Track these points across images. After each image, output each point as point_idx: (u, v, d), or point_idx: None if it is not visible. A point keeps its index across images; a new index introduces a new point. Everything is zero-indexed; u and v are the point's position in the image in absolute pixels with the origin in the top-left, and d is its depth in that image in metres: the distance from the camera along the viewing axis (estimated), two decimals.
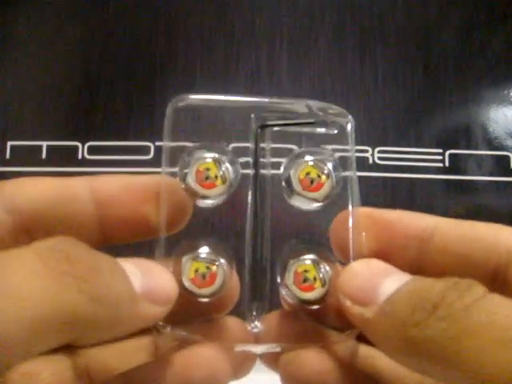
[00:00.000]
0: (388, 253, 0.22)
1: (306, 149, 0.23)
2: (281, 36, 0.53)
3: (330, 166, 0.22)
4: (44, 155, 0.51)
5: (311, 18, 0.53)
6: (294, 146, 0.23)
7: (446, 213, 0.50)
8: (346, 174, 0.23)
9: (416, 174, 0.51)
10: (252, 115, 0.23)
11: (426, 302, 0.18)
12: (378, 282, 0.20)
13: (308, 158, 0.23)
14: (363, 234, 0.22)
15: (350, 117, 0.23)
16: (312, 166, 0.22)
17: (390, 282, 0.19)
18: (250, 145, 0.23)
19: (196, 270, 0.22)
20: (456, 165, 0.51)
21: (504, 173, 0.51)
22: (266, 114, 0.23)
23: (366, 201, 0.52)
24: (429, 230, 0.22)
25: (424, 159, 0.51)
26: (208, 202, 0.22)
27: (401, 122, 0.52)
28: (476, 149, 0.51)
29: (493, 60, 0.53)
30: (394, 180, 0.51)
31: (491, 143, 0.52)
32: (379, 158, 0.51)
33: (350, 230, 0.22)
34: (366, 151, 0.51)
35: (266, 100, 0.23)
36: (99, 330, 0.18)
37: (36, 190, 0.22)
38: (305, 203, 0.23)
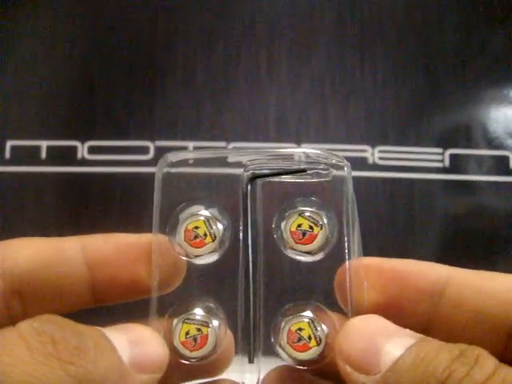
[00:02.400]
0: (397, 306, 0.21)
1: (297, 199, 0.22)
2: (281, 36, 0.53)
3: (323, 216, 0.21)
4: (44, 155, 0.51)
5: (311, 18, 0.53)
6: (285, 197, 0.22)
7: (446, 213, 0.50)
8: (344, 222, 0.21)
9: (416, 173, 0.51)
10: (242, 168, 0.22)
11: (432, 377, 0.16)
12: (379, 347, 0.18)
13: (300, 209, 0.21)
14: (365, 286, 0.21)
15: (345, 162, 0.22)
16: (304, 217, 0.21)
17: (392, 345, 0.18)
18: (240, 197, 0.22)
19: (187, 333, 0.21)
20: (456, 165, 0.51)
21: (504, 173, 0.51)
22: (256, 165, 0.22)
23: (367, 201, 0.53)
24: (441, 281, 0.21)
25: (424, 159, 0.51)
26: (200, 261, 0.22)
27: (401, 121, 0.52)
28: (476, 148, 0.51)
29: (493, 60, 0.53)
30: (394, 180, 0.51)
31: (491, 143, 0.52)
32: (379, 158, 0.51)
33: (348, 283, 0.21)
34: (366, 151, 0.51)
35: (257, 151, 0.22)
36: None
37: (27, 252, 0.22)
38: (299, 256, 0.22)
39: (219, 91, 0.52)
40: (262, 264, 0.22)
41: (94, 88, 0.52)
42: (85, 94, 0.53)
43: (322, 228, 0.21)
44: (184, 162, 0.22)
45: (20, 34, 0.54)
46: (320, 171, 0.22)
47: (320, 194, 0.22)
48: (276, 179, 0.22)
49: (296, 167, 0.22)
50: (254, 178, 0.22)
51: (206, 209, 0.22)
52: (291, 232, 0.21)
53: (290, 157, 0.22)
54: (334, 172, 0.22)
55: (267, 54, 0.53)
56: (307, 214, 0.21)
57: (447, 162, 0.51)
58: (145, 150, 0.51)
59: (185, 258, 0.22)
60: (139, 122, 0.52)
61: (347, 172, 0.22)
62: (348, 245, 0.21)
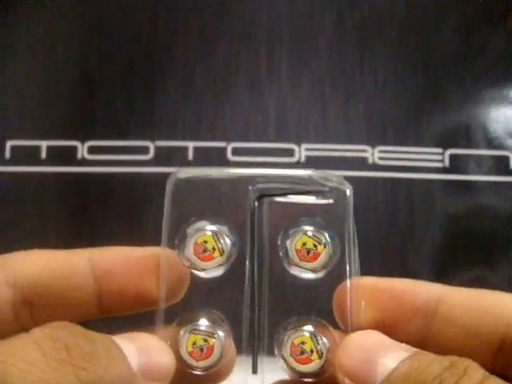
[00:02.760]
0: (393, 324, 0.22)
1: (301, 218, 0.23)
2: (281, 36, 0.53)
3: (326, 235, 0.22)
4: (44, 155, 0.51)
5: (311, 18, 0.53)
6: (291, 216, 0.23)
7: (446, 213, 0.50)
8: (345, 242, 0.23)
9: (416, 173, 0.51)
10: (249, 187, 0.23)
11: None
12: (376, 359, 0.20)
13: (304, 228, 0.22)
14: (362, 304, 0.22)
15: (347, 184, 0.23)
16: (308, 236, 0.22)
17: (388, 358, 0.19)
18: (247, 216, 0.23)
19: (194, 343, 0.22)
20: (456, 165, 0.51)
21: (504, 173, 0.51)
22: (263, 185, 0.23)
23: (367, 201, 0.53)
24: (434, 300, 0.22)
25: (424, 159, 0.51)
26: (207, 274, 0.23)
27: (401, 121, 0.52)
28: (476, 148, 0.51)
29: (493, 60, 0.53)
30: (394, 180, 0.51)
31: (491, 143, 0.52)
32: (379, 158, 0.51)
33: (348, 301, 0.22)
34: (366, 151, 0.51)
35: (264, 171, 0.23)
36: None
37: (37, 264, 0.23)
38: (303, 273, 0.23)
39: (219, 91, 0.52)
40: (267, 279, 0.23)
41: (94, 88, 0.52)
42: (85, 94, 0.53)
43: (325, 247, 0.22)
44: (193, 179, 0.23)
45: (20, 33, 0.54)
46: (324, 192, 0.23)
47: (323, 214, 0.23)
48: (282, 199, 0.23)
49: (301, 188, 0.23)
50: (261, 196, 0.23)
51: (215, 224, 0.23)
52: (296, 250, 0.22)
53: (296, 178, 0.23)
54: (337, 193, 0.23)
55: (267, 54, 0.53)
56: (311, 233, 0.22)
57: (447, 162, 0.51)
58: (145, 150, 0.51)
59: (193, 271, 0.23)
60: (139, 122, 0.52)
61: (349, 194, 0.23)
62: (349, 264, 0.22)
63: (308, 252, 0.22)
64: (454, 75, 0.53)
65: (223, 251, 0.22)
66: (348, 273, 0.22)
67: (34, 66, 0.53)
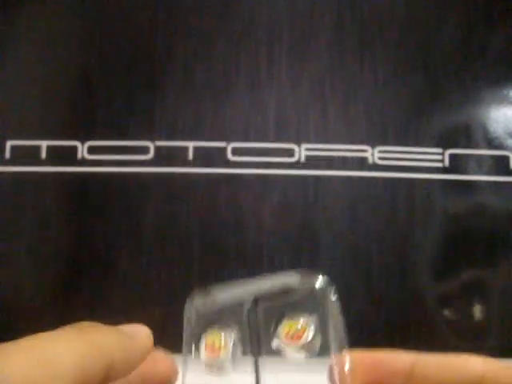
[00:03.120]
0: None
1: (288, 308, 0.28)
2: (281, 36, 0.53)
3: (310, 319, 0.28)
4: (44, 155, 0.51)
5: (311, 18, 0.53)
6: (280, 310, 0.28)
7: (446, 213, 0.50)
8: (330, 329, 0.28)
9: (416, 173, 0.51)
10: (246, 296, 0.29)
11: None
12: None
13: (290, 316, 0.28)
14: (350, 373, 0.27)
15: (322, 277, 0.28)
16: (293, 321, 0.28)
17: None
18: (246, 317, 0.29)
19: None
20: (456, 165, 0.51)
21: (504, 173, 0.51)
22: (258, 293, 0.29)
23: (367, 201, 0.52)
24: (410, 364, 0.27)
25: (424, 159, 0.51)
26: (218, 365, 0.28)
27: (401, 121, 0.52)
28: (476, 148, 0.51)
29: (493, 60, 0.53)
30: (394, 180, 0.51)
31: (491, 143, 0.52)
32: (379, 158, 0.51)
33: (338, 374, 0.27)
34: (366, 151, 0.51)
35: (256, 282, 0.29)
36: (128, 365, 0.24)
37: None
38: (294, 353, 0.28)
39: (219, 91, 0.52)
40: (265, 362, 0.28)
41: (93, 88, 0.53)
42: (85, 93, 0.53)
43: (307, 329, 0.27)
44: (205, 304, 0.29)
45: (20, 33, 0.54)
46: (306, 290, 0.28)
47: (306, 302, 0.28)
48: (272, 299, 0.29)
49: (286, 288, 0.29)
50: (255, 300, 0.29)
51: (222, 326, 0.28)
52: (284, 334, 0.28)
53: (283, 284, 0.28)
54: (317, 290, 0.28)
55: (267, 53, 0.53)
56: (296, 319, 0.28)
57: (447, 162, 0.51)
58: (145, 150, 0.51)
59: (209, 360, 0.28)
60: (139, 121, 0.52)
61: (326, 285, 0.28)
62: (334, 342, 0.27)
63: (292, 336, 0.27)
64: (454, 75, 0.53)
65: (229, 347, 0.28)
66: (334, 350, 0.27)
67: (34, 66, 0.53)
